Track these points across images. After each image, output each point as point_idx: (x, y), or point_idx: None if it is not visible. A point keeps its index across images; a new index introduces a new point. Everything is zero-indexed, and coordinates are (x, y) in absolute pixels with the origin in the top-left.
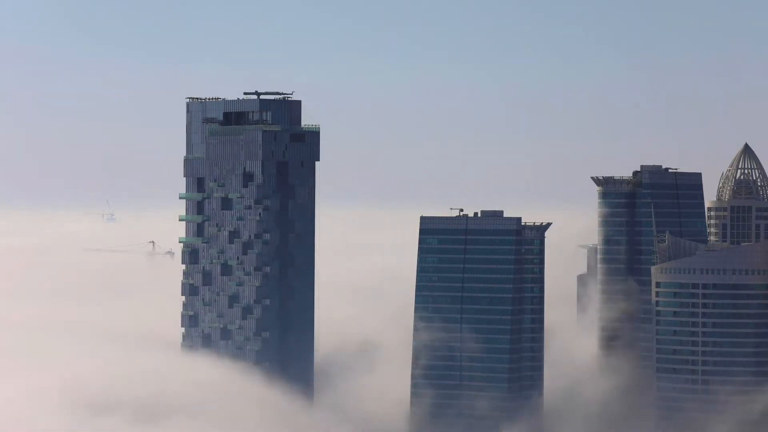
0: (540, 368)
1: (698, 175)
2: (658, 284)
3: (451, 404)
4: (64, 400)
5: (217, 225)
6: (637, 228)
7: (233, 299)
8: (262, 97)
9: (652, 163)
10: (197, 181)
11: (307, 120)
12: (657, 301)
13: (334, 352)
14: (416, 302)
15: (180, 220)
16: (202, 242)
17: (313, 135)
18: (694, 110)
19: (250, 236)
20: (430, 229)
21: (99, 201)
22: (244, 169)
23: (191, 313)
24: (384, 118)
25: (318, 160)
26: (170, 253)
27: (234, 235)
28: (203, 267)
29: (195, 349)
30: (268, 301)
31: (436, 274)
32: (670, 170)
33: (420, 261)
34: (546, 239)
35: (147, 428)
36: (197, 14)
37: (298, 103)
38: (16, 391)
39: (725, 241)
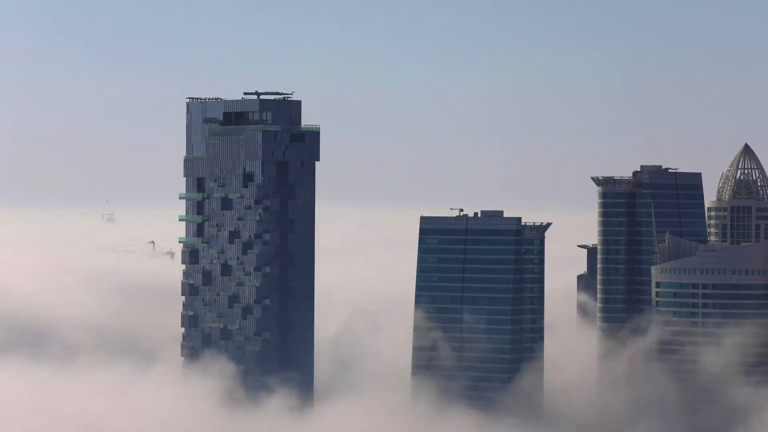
0: (540, 368)
1: (698, 175)
2: (658, 284)
3: (452, 403)
4: None
5: (217, 225)
6: (637, 228)
7: (233, 299)
8: (262, 97)
9: (652, 163)
10: (197, 181)
11: (307, 120)
12: (657, 301)
13: (335, 352)
14: (416, 302)
15: (180, 220)
16: (202, 242)
17: (313, 135)
18: (694, 110)
19: (250, 236)
20: (430, 229)
21: (99, 201)
22: (244, 169)
23: (191, 313)
24: (384, 119)
25: (318, 160)
26: (170, 253)
27: (234, 235)
28: (203, 267)
29: (195, 349)
30: (268, 301)
31: (436, 274)
32: (670, 170)
33: (420, 261)
34: (546, 239)
35: None
36: (197, 15)
37: (298, 103)
38: None
39: (725, 241)
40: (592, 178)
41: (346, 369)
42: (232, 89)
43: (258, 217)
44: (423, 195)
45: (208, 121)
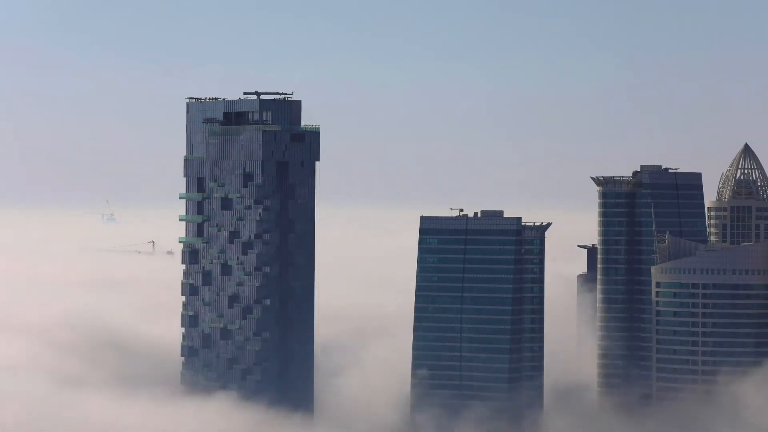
0: (540, 368)
1: (698, 175)
2: (658, 284)
3: (452, 404)
4: None
5: (217, 225)
6: (637, 228)
7: (233, 299)
8: (262, 97)
9: (652, 163)
10: (197, 181)
11: (307, 120)
12: (657, 301)
13: (335, 352)
14: (416, 302)
15: (180, 220)
16: (202, 242)
17: (313, 135)
18: (694, 110)
19: (250, 236)
20: (430, 229)
21: (99, 201)
22: (244, 169)
23: (191, 313)
24: (384, 118)
25: (318, 160)
26: (170, 253)
27: (234, 235)
28: (203, 267)
29: (195, 349)
30: (268, 301)
31: (436, 274)
32: (670, 170)
33: (420, 261)
34: (546, 239)
35: None
36: (197, 15)
37: (298, 103)
38: None
39: (725, 241)
40: (592, 178)
41: (346, 369)
42: (232, 89)
43: (258, 217)
44: (423, 195)
45: (208, 121)
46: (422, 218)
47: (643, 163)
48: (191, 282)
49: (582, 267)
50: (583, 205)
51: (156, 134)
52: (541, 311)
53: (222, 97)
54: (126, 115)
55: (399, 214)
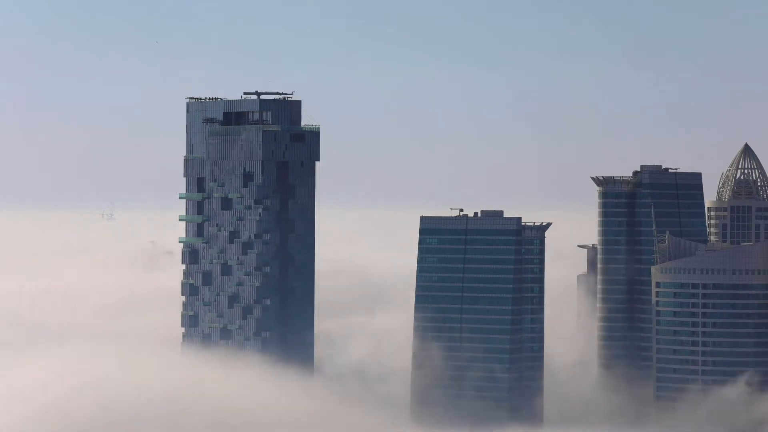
0: (540, 368)
1: (698, 175)
2: (658, 284)
3: (452, 404)
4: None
5: (217, 225)
6: (637, 228)
7: (233, 299)
8: (262, 97)
9: (652, 163)
10: (197, 181)
11: (307, 120)
12: (657, 301)
13: (334, 353)
14: (416, 302)
15: (180, 220)
16: (202, 242)
17: (313, 135)
18: (694, 110)
19: (250, 236)
20: (430, 229)
21: (99, 201)
22: (244, 169)
23: (191, 313)
24: (384, 118)
25: (318, 160)
26: (170, 253)
27: (234, 235)
28: (203, 267)
29: (195, 349)
30: (268, 301)
31: (436, 274)
32: (670, 170)
33: (420, 261)
34: (546, 239)
35: None
36: (197, 14)
37: (298, 103)
38: None
39: (725, 241)
40: (592, 178)
41: (346, 369)
42: (232, 89)
43: (258, 217)
44: (423, 195)
45: (208, 121)
46: (422, 218)
47: (643, 163)
48: (191, 282)
49: (582, 267)
50: (583, 205)
51: (156, 134)
52: (541, 311)
53: (222, 97)
54: (126, 115)
55: (399, 214)
